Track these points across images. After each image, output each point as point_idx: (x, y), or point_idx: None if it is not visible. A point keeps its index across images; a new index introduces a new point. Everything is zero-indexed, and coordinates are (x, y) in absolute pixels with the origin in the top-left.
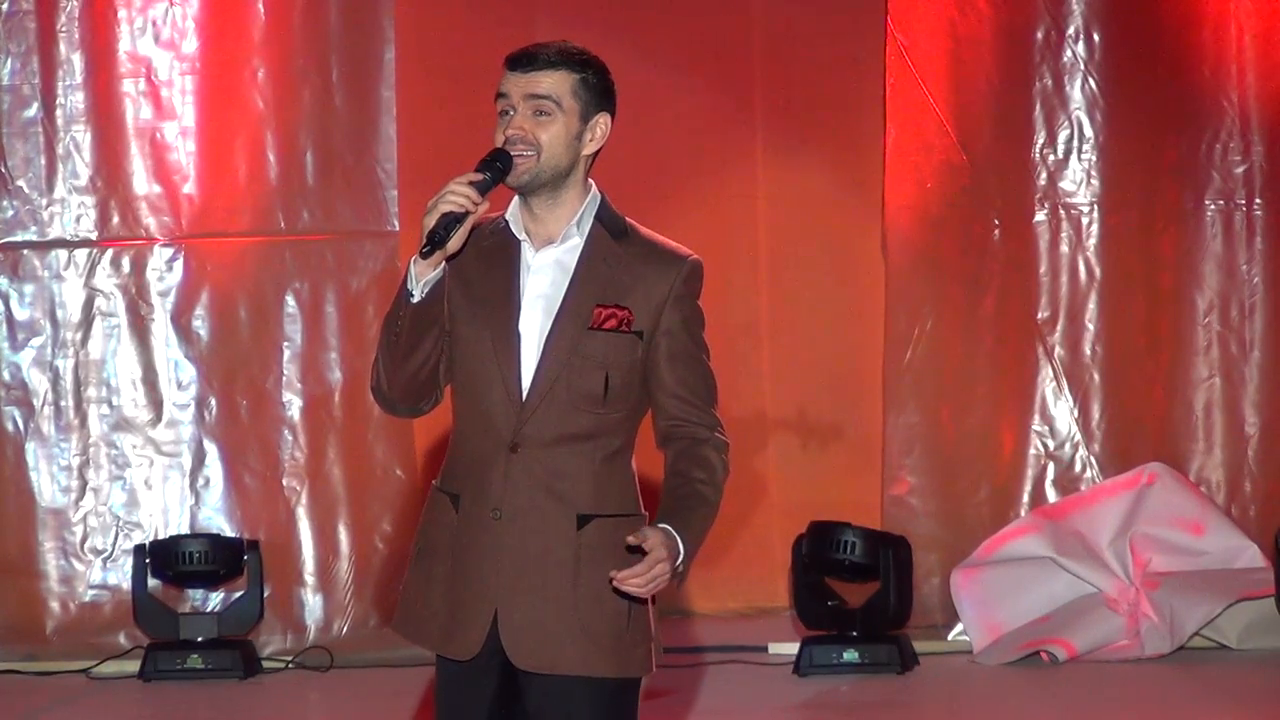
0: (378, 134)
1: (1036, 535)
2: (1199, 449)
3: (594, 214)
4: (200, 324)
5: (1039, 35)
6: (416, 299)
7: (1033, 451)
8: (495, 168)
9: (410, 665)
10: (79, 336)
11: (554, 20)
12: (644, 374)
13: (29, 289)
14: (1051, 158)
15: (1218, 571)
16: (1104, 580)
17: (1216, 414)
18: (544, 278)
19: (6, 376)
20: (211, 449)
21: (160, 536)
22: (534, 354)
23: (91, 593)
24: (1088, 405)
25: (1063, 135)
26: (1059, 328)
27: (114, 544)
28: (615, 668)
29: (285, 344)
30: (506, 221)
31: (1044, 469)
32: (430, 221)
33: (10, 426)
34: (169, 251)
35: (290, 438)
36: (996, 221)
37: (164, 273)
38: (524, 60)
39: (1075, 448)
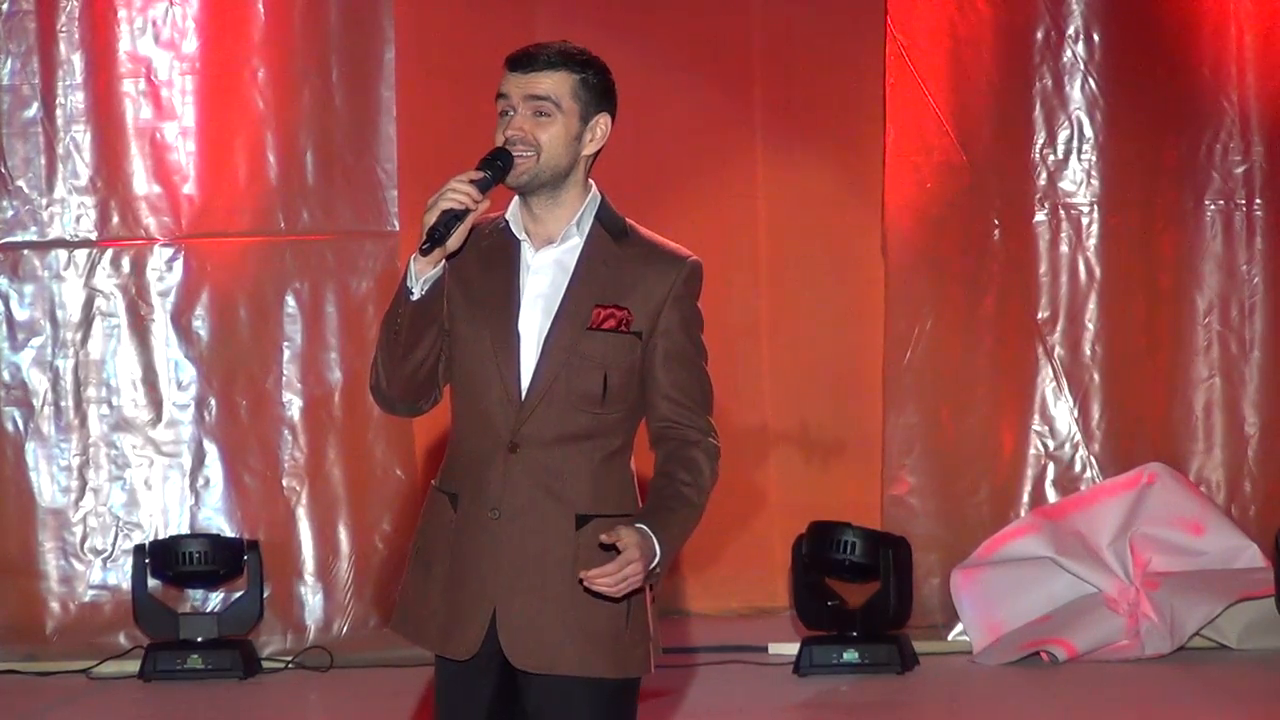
0: (378, 134)
1: (1036, 535)
2: (1199, 449)
3: (594, 214)
4: (200, 324)
5: (1039, 35)
6: (416, 296)
7: (1033, 451)
8: (496, 166)
9: (410, 665)
10: (79, 336)
11: (554, 20)
12: (641, 374)
13: (29, 289)
14: (1051, 158)
15: (1218, 571)
16: (1104, 580)
17: (1216, 414)
18: (544, 278)
19: (6, 376)
20: (211, 449)
21: (160, 536)
22: (533, 354)
23: (91, 593)
24: (1088, 405)
25: (1063, 135)
26: (1059, 328)
27: (114, 544)
28: (614, 668)
29: (285, 344)
30: (506, 222)
31: (1044, 469)
32: (430, 219)
33: (10, 426)
34: (169, 251)
35: (290, 438)
36: (996, 221)
37: (164, 273)
38: (524, 61)
39: (1075, 448)
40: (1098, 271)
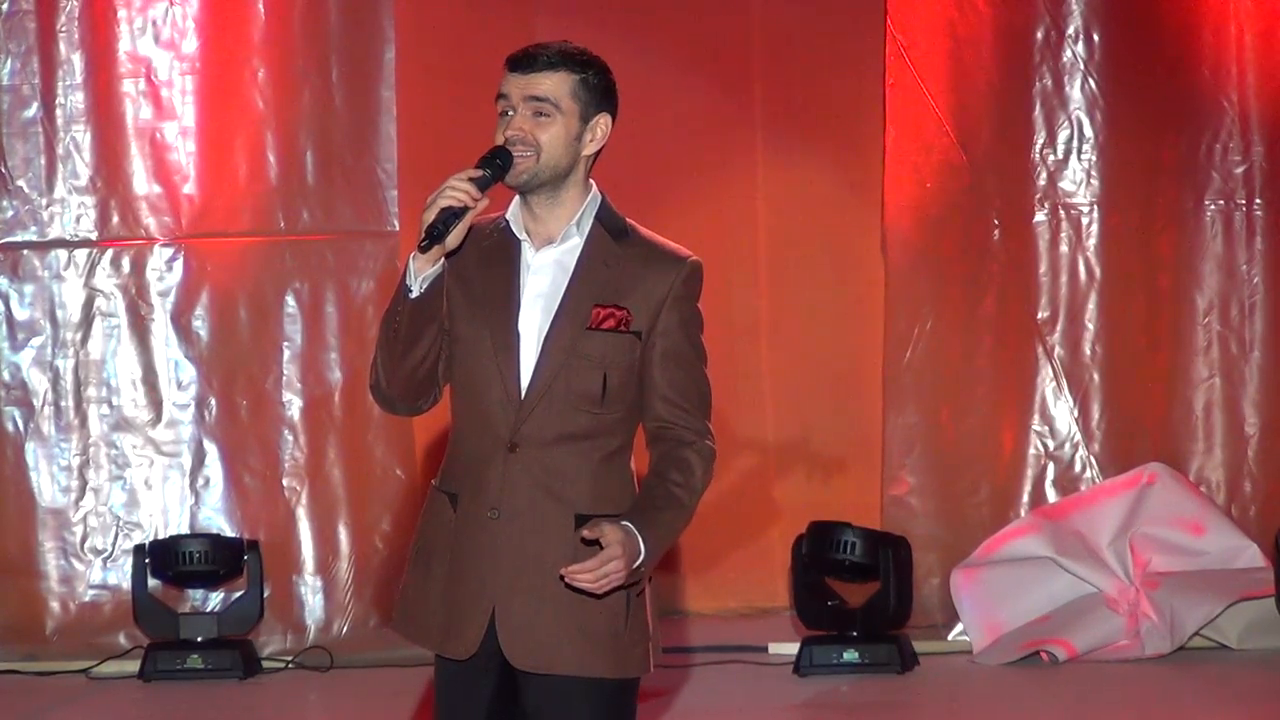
0: (378, 134)
1: (1036, 535)
2: (1199, 449)
3: (594, 214)
4: (200, 324)
5: (1039, 35)
6: (415, 294)
7: (1033, 451)
8: (495, 165)
9: (410, 665)
10: (79, 336)
11: (554, 20)
12: (640, 374)
13: (29, 289)
14: (1051, 158)
15: (1218, 571)
16: (1104, 580)
17: (1216, 414)
18: (544, 277)
19: (6, 376)
20: (211, 449)
21: (160, 536)
22: (533, 353)
23: (91, 593)
24: (1088, 405)
25: (1063, 135)
26: (1059, 328)
27: (114, 544)
28: (613, 668)
29: (285, 344)
30: (507, 221)
31: (1044, 469)
32: (429, 216)
33: (10, 426)
34: (169, 251)
35: (290, 438)
36: (996, 221)
37: (164, 273)
38: (524, 61)
39: (1075, 448)
40: (1098, 271)
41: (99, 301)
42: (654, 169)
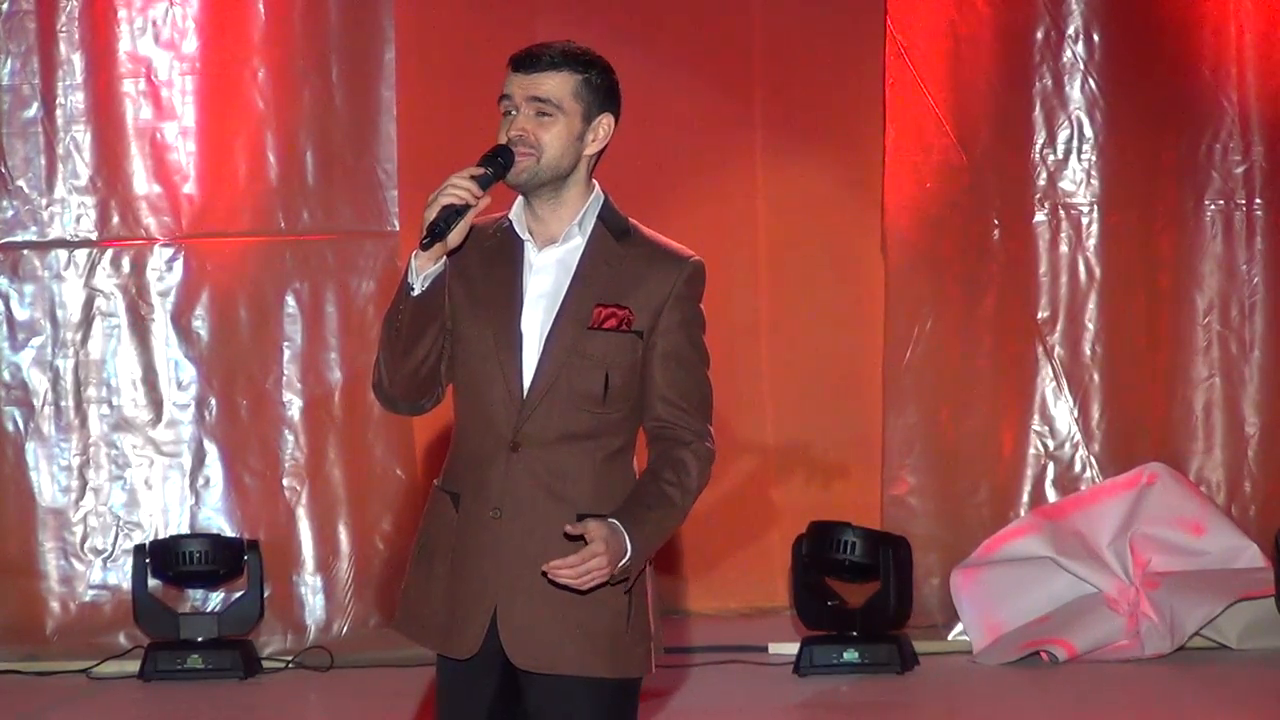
0: (378, 134)
1: (1036, 535)
2: (1199, 449)
3: (596, 214)
4: (200, 324)
5: (1039, 35)
6: (417, 292)
7: (1033, 451)
8: (497, 163)
9: (410, 665)
10: (79, 336)
11: (554, 20)
12: (641, 374)
13: (29, 289)
14: (1051, 158)
15: (1218, 571)
16: (1104, 580)
17: (1216, 414)
18: (546, 277)
19: (6, 376)
20: (211, 449)
21: (160, 536)
22: (535, 353)
23: (91, 593)
24: (1088, 405)
25: (1063, 135)
26: (1059, 328)
27: (114, 544)
28: (614, 668)
29: (285, 344)
30: (510, 221)
31: (1044, 469)
32: (431, 214)
33: (10, 426)
34: (169, 251)
35: (290, 438)
36: (996, 221)
37: (164, 273)
38: (527, 61)
39: (1075, 448)
40: (1098, 271)
41: (99, 301)
42: (654, 169)
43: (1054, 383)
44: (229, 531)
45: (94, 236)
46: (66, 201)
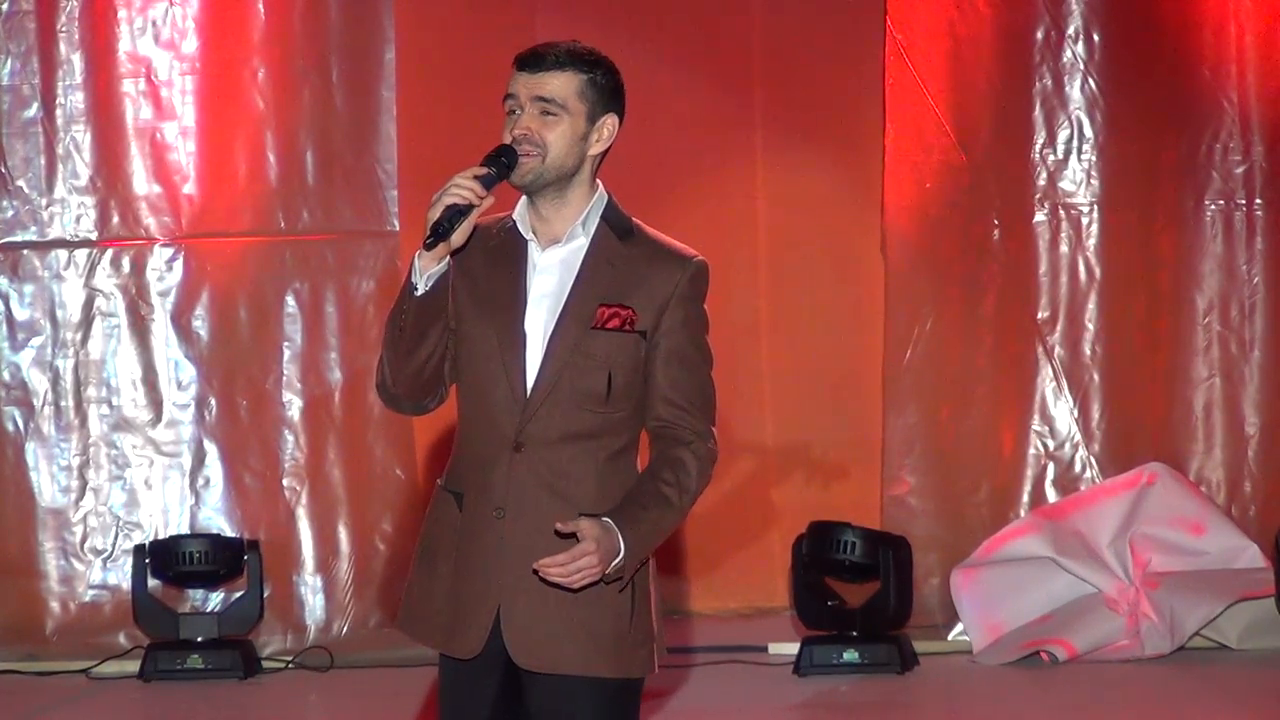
0: (378, 134)
1: (1036, 535)
2: (1199, 449)
3: (600, 214)
4: (200, 324)
5: (1039, 35)
6: (420, 291)
7: (1033, 451)
8: (500, 163)
9: (410, 665)
10: (79, 336)
11: (554, 20)
12: (644, 374)
13: (29, 289)
14: (1051, 158)
15: (1218, 571)
16: (1104, 580)
17: (1216, 414)
18: (550, 277)
19: (6, 376)
20: (211, 449)
21: (160, 536)
22: (538, 353)
23: (91, 593)
24: (1088, 405)
25: (1063, 135)
26: (1059, 328)
27: (114, 544)
28: (617, 668)
29: (285, 344)
30: (514, 221)
31: (1044, 469)
32: (434, 214)
33: (10, 426)
34: (169, 251)
35: (290, 438)
36: (996, 221)
37: (164, 273)
38: (532, 61)
39: (1075, 448)
40: (1098, 271)
41: (99, 301)
42: (654, 169)
43: (1054, 383)
44: (229, 531)
45: (94, 236)
46: (66, 201)
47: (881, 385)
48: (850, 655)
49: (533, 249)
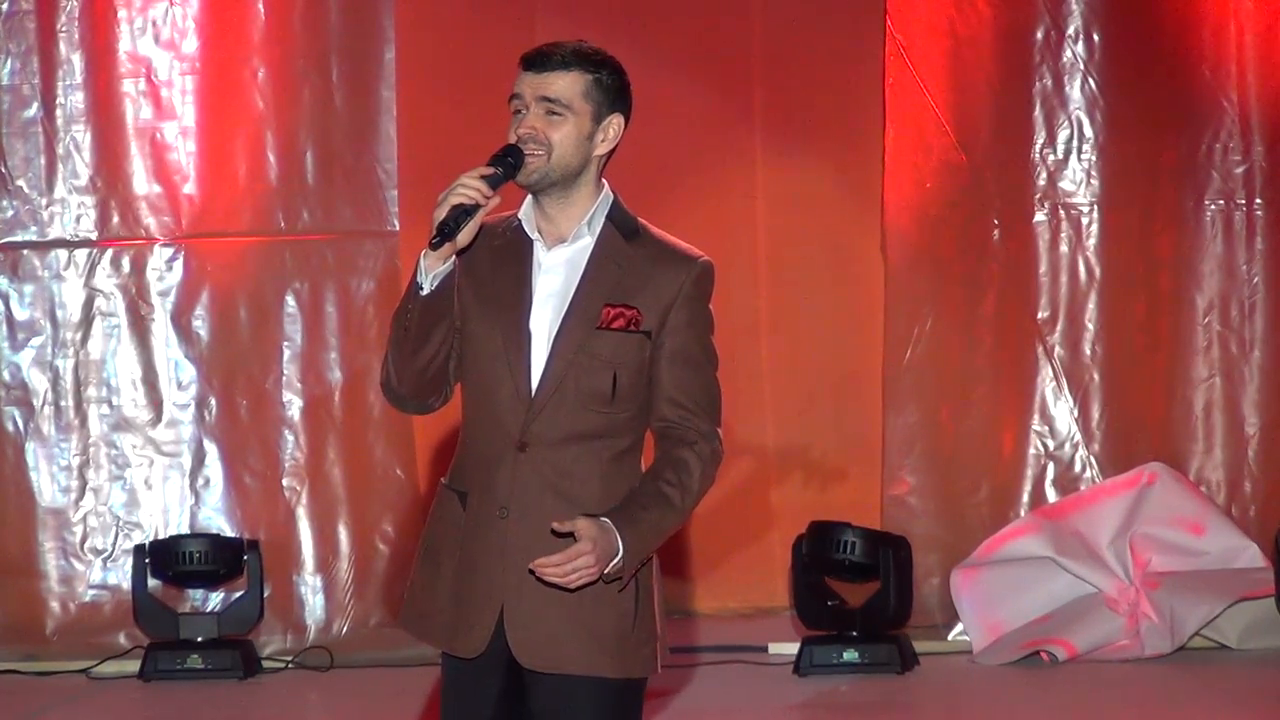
0: (378, 134)
1: (1036, 535)
2: (1199, 449)
3: (606, 214)
4: (200, 324)
5: (1039, 35)
6: (426, 291)
7: (1033, 451)
8: (507, 163)
9: (410, 665)
10: (79, 336)
11: (554, 20)
12: (648, 374)
13: (29, 289)
14: (1051, 158)
15: (1218, 571)
16: (1104, 580)
17: (1216, 414)
18: (555, 277)
19: (6, 376)
20: (211, 449)
21: (160, 536)
22: (544, 353)
23: (91, 593)
24: (1088, 405)
25: (1062, 135)
26: (1059, 328)
27: (114, 544)
28: (619, 668)
29: (285, 344)
30: (519, 220)
31: (1044, 469)
32: (440, 214)
33: (10, 426)
34: (169, 251)
35: (290, 438)
36: (996, 221)
37: (164, 273)
38: (538, 61)
39: (1075, 448)
40: (1098, 271)
41: (99, 301)
42: (654, 169)
43: (1054, 383)
44: (229, 531)
45: (94, 236)
46: (66, 201)
47: (881, 385)
48: (850, 655)
49: (538, 248)
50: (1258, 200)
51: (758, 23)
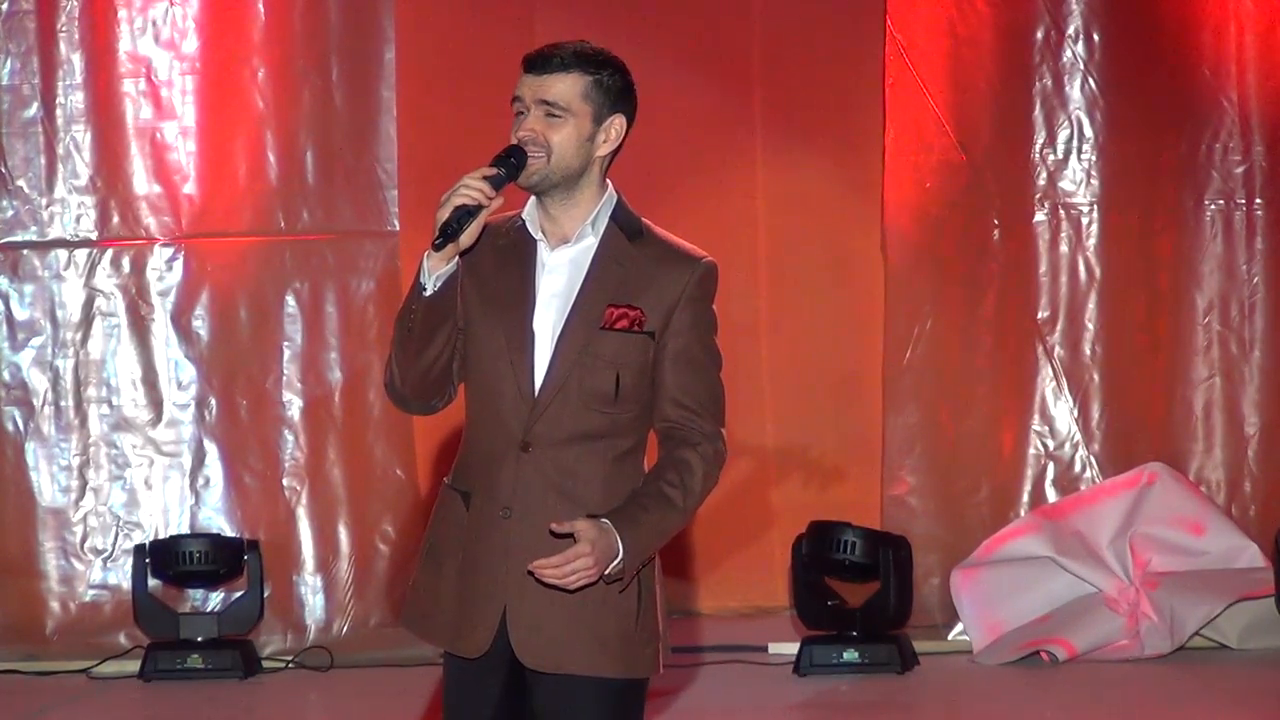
0: (378, 134)
1: (1036, 535)
2: (1199, 449)
3: (609, 214)
4: (200, 324)
5: (1039, 35)
6: (429, 292)
7: (1033, 451)
8: (509, 163)
9: (410, 665)
10: (79, 336)
11: (554, 21)
12: (651, 375)
13: (29, 289)
14: (1051, 158)
15: (1218, 571)
16: (1104, 580)
17: (1216, 414)
18: (559, 277)
19: (6, 376)
20: (211, 449)
21: (160, 536)
22: (547, 353)
23: (91, 593)
24: (1088, 405)
25: (1062, 135)
26: (1059, 328)
27: (114, 544)
28: (622, 668)
29: (285, 344)
30: (523, 220)
31: (1044, 469)
32: (443, 214)
33: (10, 426)
34: (169, 251)
35: (290, 438)
36: (996, 221)
37: (164, 273)
38: (538, 63)
39: (1075, 448)
40: (1098, 271)
41: (99, 301)
42: (654, 169)
43: (1054, 383)
44: (229, 531)
45: (94, 236)
46: (66, 201)
47: (881, 385)
48: (850, 655)
49: (542, 249)
50: (1258, 200)
51: (758, 23)
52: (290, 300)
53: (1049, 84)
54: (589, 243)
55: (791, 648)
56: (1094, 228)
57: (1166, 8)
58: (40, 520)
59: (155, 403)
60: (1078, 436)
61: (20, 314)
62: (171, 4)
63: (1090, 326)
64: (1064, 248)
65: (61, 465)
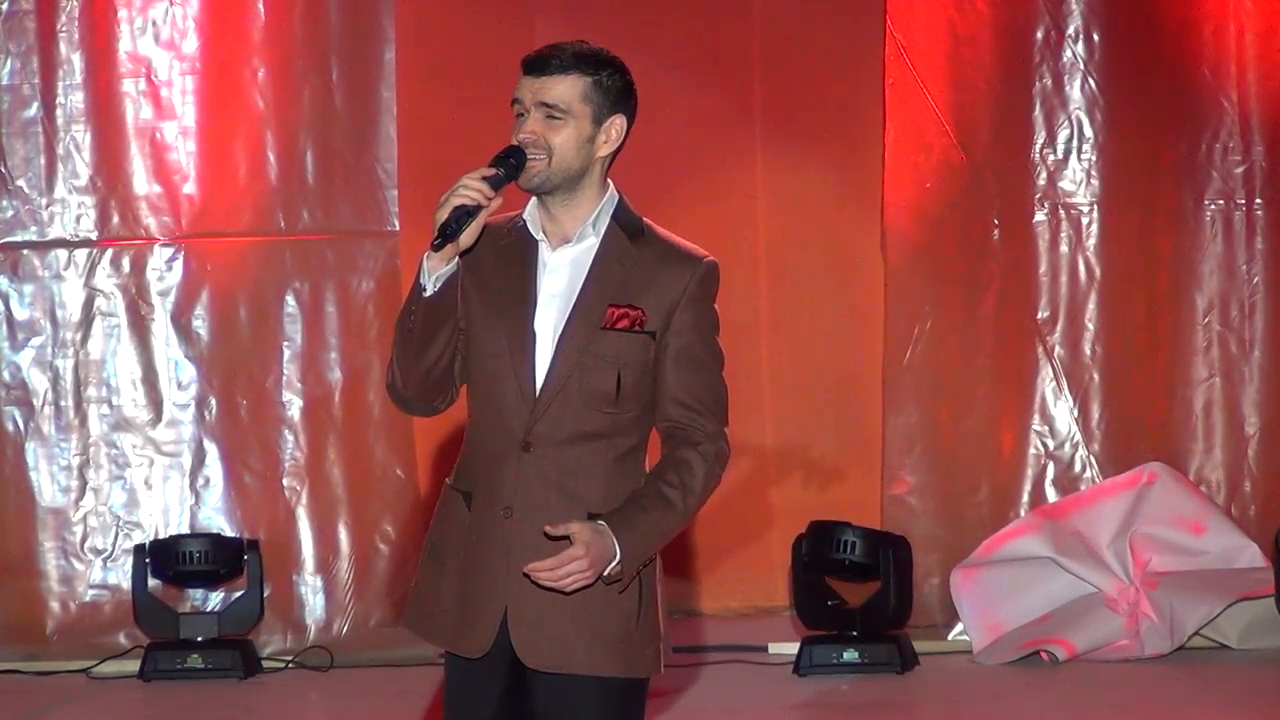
0: (378, 134)
1: (1036, 535)
2: (1199, 449)
3: (611, 214)
4: (200, 324)
5: (1039, 35)
6: (429, 293)
7: (1033, 451)
8: (509, 164)
9: (410, 665)
10: (79, 336)
11: (554, 21)
12: (653, 375)
13: (29, 289)
14: (1051, 158)
15: (1218, 571)
16: (1104, 580)
17: (1216, 414)
18: (560, 277)
19: (6, 376)
20: (211, 449)
21: (160, 536)
22: (548, 353)
23: (91, 593)
24: (1088, 405)
25: (1062, 135)
26: (1059, 328)
27: (114, 544)
28: (623, 668)
29: (285, 344)
30: (524, 220)
31: (1044, 469)
32: (443, 215)
33: (10, 426)
34: (169, 251)
35: (290, 438)
36: (996, 221)
37: (164, 273)
38: (538, 65)
39: (1075, 448)
40: (1098, 271)
41: (99, 301)
42: (654, 169)
43: (1054, 383)
44: (229, 531)
45: (94, 236)
46: (66, 201)
47: (881, 385)
48: (850, 655)
49: (543, 249)
50: (1258, 200)
51: (758, 23)
52: (290, 300)
53: (1049, 84)
54: (590, 243)
55: (791, 648)
56: (1094, 228)
57: (1166, 8)
58: (40, 520)
59: (155, 403)
60: (1078, 436)
61: (20, 314)
62: (171, 4)
63: (1090, 326)
64: (1064, 248)
65: (61, 465)
